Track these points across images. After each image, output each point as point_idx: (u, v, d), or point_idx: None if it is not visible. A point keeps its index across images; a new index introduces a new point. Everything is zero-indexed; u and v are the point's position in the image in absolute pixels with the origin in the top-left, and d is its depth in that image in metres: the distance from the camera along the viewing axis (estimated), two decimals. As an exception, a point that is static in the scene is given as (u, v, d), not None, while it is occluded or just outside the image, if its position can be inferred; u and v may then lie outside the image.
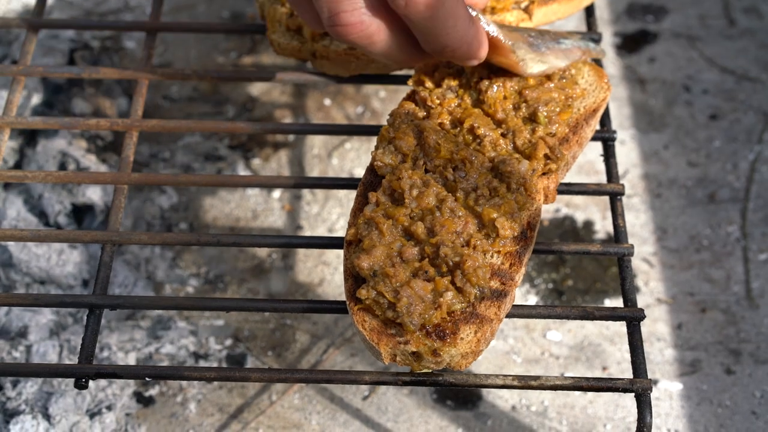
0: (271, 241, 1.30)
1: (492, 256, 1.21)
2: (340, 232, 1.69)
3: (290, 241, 1.31)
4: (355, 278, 1.20)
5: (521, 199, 1.24)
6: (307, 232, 1.68)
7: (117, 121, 1.38)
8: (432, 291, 1.16)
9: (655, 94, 1.88)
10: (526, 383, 1.18)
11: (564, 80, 1.36)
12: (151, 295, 1.58)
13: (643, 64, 1.92)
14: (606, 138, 1.40)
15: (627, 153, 1.80)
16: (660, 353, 1.57)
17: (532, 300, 1.62)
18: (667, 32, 1.97)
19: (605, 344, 1.58)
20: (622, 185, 1.35)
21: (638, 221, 1.71)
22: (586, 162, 1.77)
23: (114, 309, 1.23)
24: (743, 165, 1.78)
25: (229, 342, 1.56)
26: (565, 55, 1.35)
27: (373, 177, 1.28)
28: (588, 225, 1.71)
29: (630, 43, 1.96)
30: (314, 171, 1.75)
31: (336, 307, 1.23)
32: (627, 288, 1.26)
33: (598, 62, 1.48)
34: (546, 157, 1.28)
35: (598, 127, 1.41)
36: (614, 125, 1.82)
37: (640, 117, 1.85)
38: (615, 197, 1.35)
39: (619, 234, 1.31)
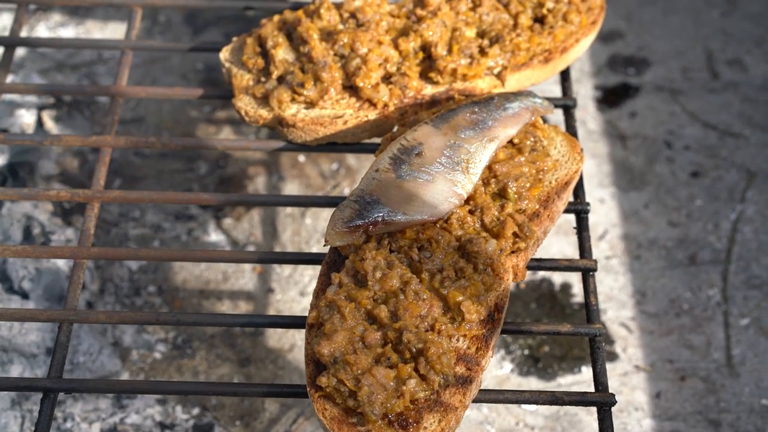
0: (232, 320, 1.26)
1: (458, 340, 1.18)
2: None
3: (252, 321, 1.27)
4: (316, 363, 1.17)
5: (488, 281, 1.20)
6: (278, 296, 1.65)
7: (78, 192, 1.35)
8: (395, 378, 1.13)
9: (636, 150, 1.85)
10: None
11: (535, 152, 1.33)
12: (117, 362, 1.54)
13: (624, 119, 1.89)
14: (579, 210, 1.37)
15: (606, 212, 1.76)
16: (638, 424, 1.53)
17: (507, 367, 1.59)
18: (649, 85, 1.94)
19: (581, 414, 1.54)
20: (595, 261, 1.31)
21: (617, 284, 1.68)
22: (564, 221, 1.74)
23: (69, 393, 1.20)
24: (725, 225, 1.74)
25: (196, 411, 1.53)
26: (514, 121, 1.32)
27: (337, 256, 1.25)
28: (565, 288, 1.67)
29: (611, 97, 1.93)
30: (287, 231, 1.72)
31: (297, 392, 1.20)
32: (598, 371, 1.23)
33: (571, 132, 1.45)
34: (515, 235, 1.24)
35: (571, 199, 1.38)
36: (594, 183, 1.79)
37: (621, 174, 1.81)
38: (587, 273, 1.31)
39: (590, 313, 1.27)
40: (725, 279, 1.68)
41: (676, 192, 1.79)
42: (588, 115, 1.89)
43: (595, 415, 1.53)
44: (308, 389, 1.16)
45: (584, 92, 1.92)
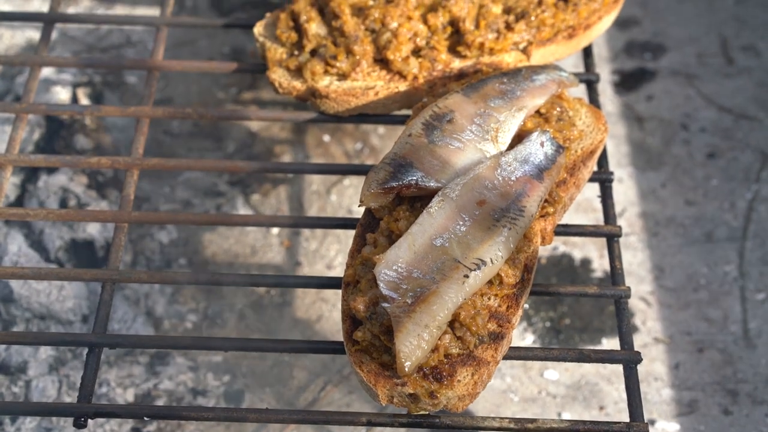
0: (269, 281, 1.31)
1: (489, 299, 1.22)
2: (338, 268, 1.69)
3: (288, 281, 1.32)
4: (352, 319, 1.21)
5: (519, 243, 1.24)
6: (305, 269, 1.69)
7: (118, 159, 1.39)
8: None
9: (653, 132, 1.89)
10: (522, 426, 1.18)
11: (562, 122, 1.37)
12: (150, 330, 1.59)
13: (641, 102, 1.93)
14: (603, 179, 1.41)
15: (625, 191, 1.81)
16: (657, 393, 1.57)
17: (529, 339, 1.63)
18: (665, 70, 1.98)
19: (602, 384, 1.58)
20: (619, 227, 1.36)
21: (635, 260, 1.72)
22: (584, 200, 1.78)
23: (113, 348, 1.24)
24: (741, 204, 1.79)
25: (227, 378, 1.57)
26: (541, 92, 1.36)
27: (371, 218, 1.29)
28: (585, 263, 1.72)
29: (628, 81, 1.97)
30: (313, 207, 1.76)
31: (334, 348, 1.24)
32: (624, 331, 1.27)
33: (595, 105, 1.49)
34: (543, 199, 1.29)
35: (595, 168, 1.42)
36: (612, 163, 1.83)
37: (638, 155, 1.86)
38: (612, 239, 1.35)
39: (616, 276, 1.32)
40: (741, 255, 1.72)
41: (693, 172, 1.83)
42: (606, 98, 1.93)
43: (616, 386, 1.58)
44: (345, 344, 1.20)
45: (602, 76, 1.96)
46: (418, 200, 1.27)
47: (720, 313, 1.66)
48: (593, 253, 1.73)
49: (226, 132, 1.86)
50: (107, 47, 1.97)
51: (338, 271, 1.69)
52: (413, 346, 1.14)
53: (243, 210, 1.75)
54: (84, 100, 1.75)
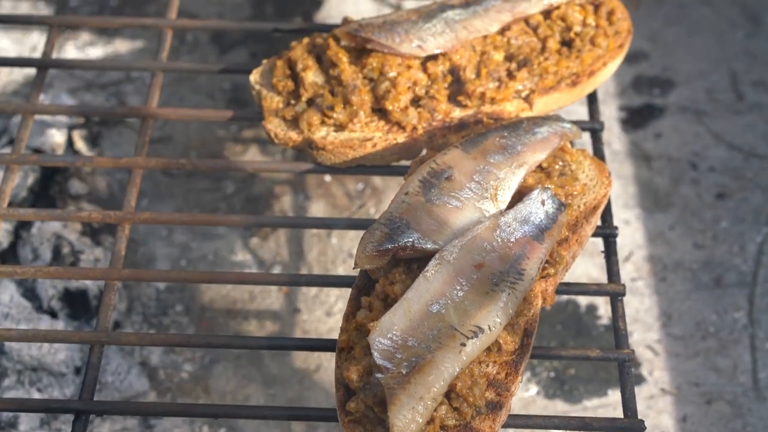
0: (262, 343, 1.27)
1: (487, 366, 1.18)
2: (338, 315, 1.66)
3: (282, 343, 1.28)
4: (346, 388, 1.17)
5: (519, 307, 1.20)
6: (304, 315, 1.66)
7: (109, 213, 1.36)
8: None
9: (661, 171, 1.85)
10: (521, 500, 1.14)
11: (564, 176, 1.33)
12: (145, 381, 1.55)
13: (649, 140, 1.89)
14: (607, 234, 1.37)
15: (632, 234, 1.76)
16: (664, 447, 1.53)
17: (533, 390, 1.59)
18: (673, 106, 1.94)
19: (607, 437, 1.54)
20: (623, 285, 1.32)
21: (642, 306, 1.68)
22: (589, 243, 1.74)
23: (100, 415, 1.21)
24: (751, 247, 1.74)
25: (223, 431, 1.53)
26: (543, 146, 1.32)
27: (367, 279, 1.26)
28: (591, 310, 1.68)
29: (636, 118, 1.93)
30: (313, 251, 1.73)
31: (327, 415, 1.20)
32: (627, 396, 1.23)
33: (599, 155, 1.45)
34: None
35: (599, 223, 1.38)
36: (619, 204, 1.79)
37: (646, 196, 1.82)
38: (616, 298, 1.31)
39: (619, 338, 1.28)
40: (751, 302, 1.68)
41: (702, 214, 1.79)
42: (613, 136, 1.89)
43: (621, 438, 1.53)
44: (338, 414, 1.16)
45: (609, 113, 1.92)
46: (416, 261, 1.23)
47: (729, 362, 1.61)
48: (599, 299, 1.69)
49: (225, 172, 1.82)
50: (106, 84, 1.94)
51: (338, 318, 1.66)
52: (407, 419, 1.10)
53: (241, 254, 1.72)
54: (80, 143, 1.73)
